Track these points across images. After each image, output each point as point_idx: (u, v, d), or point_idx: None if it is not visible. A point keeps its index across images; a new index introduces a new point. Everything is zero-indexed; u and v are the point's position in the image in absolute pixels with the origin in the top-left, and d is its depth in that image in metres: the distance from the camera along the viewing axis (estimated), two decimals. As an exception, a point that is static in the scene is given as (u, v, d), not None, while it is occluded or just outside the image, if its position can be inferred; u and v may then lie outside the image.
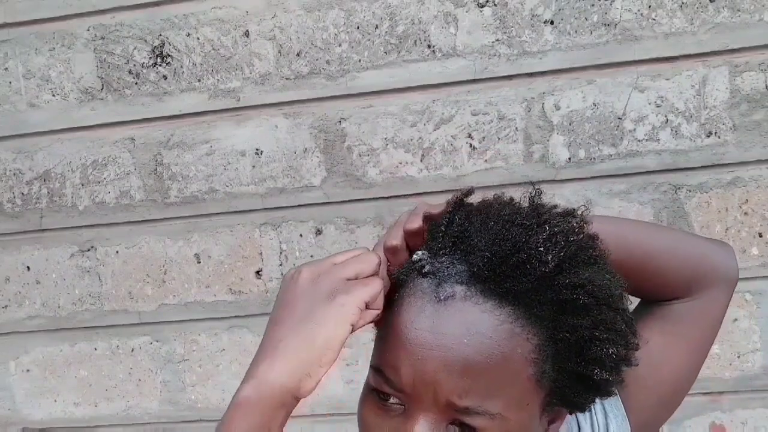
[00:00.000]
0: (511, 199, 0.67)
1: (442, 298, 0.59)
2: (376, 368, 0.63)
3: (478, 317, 0.58)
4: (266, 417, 0.57)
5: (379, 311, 0.61)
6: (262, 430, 0.57)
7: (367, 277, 0.61)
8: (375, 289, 0.60)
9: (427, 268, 0.61)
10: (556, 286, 0.58)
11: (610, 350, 0.60)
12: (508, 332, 0.58)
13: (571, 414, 0.71)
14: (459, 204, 0.65)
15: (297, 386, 0.57)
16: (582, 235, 0.61)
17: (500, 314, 0.58)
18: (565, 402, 0.64)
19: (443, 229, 0.64)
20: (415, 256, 0.63)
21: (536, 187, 0.64)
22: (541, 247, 0.58)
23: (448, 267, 0.61)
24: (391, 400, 0.62)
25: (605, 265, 0.62)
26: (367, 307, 0.60)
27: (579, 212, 0.63)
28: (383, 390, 0.61)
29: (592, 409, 0.76)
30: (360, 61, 1.48)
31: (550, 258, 0.58)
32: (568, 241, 0.60)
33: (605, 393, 0.64)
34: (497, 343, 0.57)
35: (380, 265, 0.63)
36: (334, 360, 0.58)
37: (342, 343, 0.58)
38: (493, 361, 0.57)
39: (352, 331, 0.60)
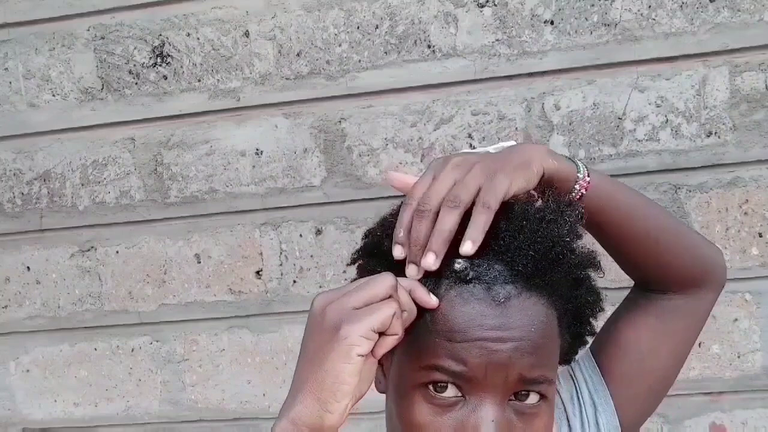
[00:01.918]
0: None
1: (501, 300, 0.63)
2: (432, 367, 0.64)
3: (534, 308, 0.64)
4: None
5: (398, 336, 0.61)
6: None
7: (380, 301, 0.60)
8: (384, 314, 0.59)
9: (471, 275, 0.65)
10: (573, 268, 0.67)
11: (596, 308, 0.72)
12: (551, 315, 0.66)
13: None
14: None
15: (320, 423, 0.59)
16: (584, 221, 0.69)
17: (544, 302, 0.65)
18: (564, 359, 0.73)
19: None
20: (457, 265, 0.65)
21: (546, 181, 0.70)
22: (567, 237, 0.66)
23: (488, 270, 0.64)
24: (445, 393, 0.64)
25: None
26: (384, 333, 0.60)
27: (575, 196, 0.71)
28: (440, 380, 0.64)
29: (582, 403, 0.81)
30: (360, 61, 1.48)
31: (575, 246, 0.66)
32: (579, 229, 0.68)
33: (585, 344, 0.75)
34: (549, 325, 0.66)
35: (395, 287, 0.61)
36: (350, 392, 0.59)
37: (354, 375, 0.58)
38: (548, 339, 0.65)
39: (378, 360, 0.62)
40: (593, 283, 0.71)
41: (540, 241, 0.64)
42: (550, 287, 0.65)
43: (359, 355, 0.58)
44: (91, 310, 1.66)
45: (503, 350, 0.62)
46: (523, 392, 0.64)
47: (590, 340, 0.74)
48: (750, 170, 1.41)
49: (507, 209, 0.66)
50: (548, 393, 0.66)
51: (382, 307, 0.59)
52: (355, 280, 0.65)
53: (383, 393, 0.73)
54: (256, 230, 1.58)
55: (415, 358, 0.65)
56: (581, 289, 0.69)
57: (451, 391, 0.63)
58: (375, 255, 0.70)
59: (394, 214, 0.70)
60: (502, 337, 0.62)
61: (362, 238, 0.75)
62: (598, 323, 0.74)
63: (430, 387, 0.64)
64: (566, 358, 0.74)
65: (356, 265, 0.76)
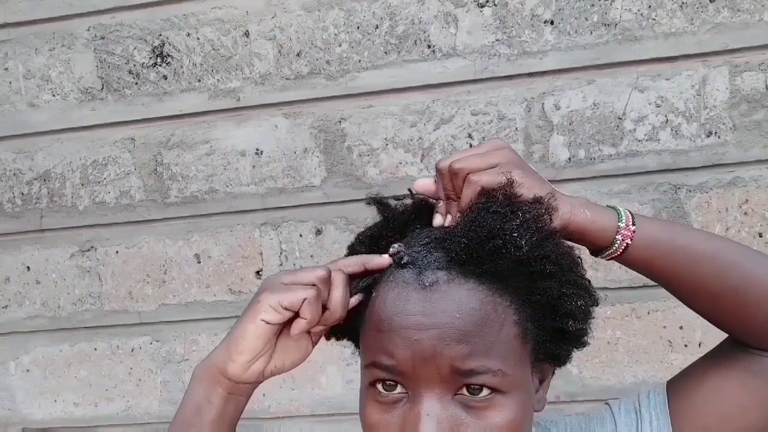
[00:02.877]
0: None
1: (427, 284, 0.63)
2: (371, 364, 0.65)
3: (464, 294, 0.63)
4: (207, 389, 0.72)
5: (307, 320, 0.65)
6: (204, 399, 0.72)
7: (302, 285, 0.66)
8: (295, 295, 0.64)
9: (405, 259, 0.65)
10: (529, 263, 0.64)
11: (579, 303, 0.67)
12: (491, 303, 0.63)
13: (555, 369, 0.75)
14: (420, 202, 0.73)
15: (224, 368, 0.69)
16: (551, 222, 0.65)
17: (482, 290, 0.63)
18: (549, 356, 0.70)
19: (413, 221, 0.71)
20: (392, 249, 0.67)
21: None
22: (515, 233, 0.62)
23: (425, 255, 0.65)
24: (393, 392, 0.64)
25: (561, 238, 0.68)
26: (299, 315, 0.65)
27: (546, 200, 0.66)
28: (382, 378, 0.64)
29: None
30: (360, 61, 1.48)
31: (524, 243, 0.62)
32: (538, 227, 0.64)
33: (581, 343, 0.70)
34: (485, 312, 0.63)
35: (324, 278, 0.66)
36: (248, 349, 0.66)
37: (255, 336, 0.66)
38: (485, 327, 0.62)
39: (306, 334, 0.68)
40: (573, 276, 0.67)
41: (476, 229, 0.63)
42: (492, 276, 0.63)
43: (262, 320, 0.65)
44: (91, 310, 1.66)
45: (426, 338, 0.61)
46: (474, 386, 0.62)
47: (586, 339, 0.70)
48: (750, 170, 1.41)
49: None
50: (501, 386, 0.62)
51: (297, 290, 0.65)
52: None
53: None
54: (256, 230, 1.58)
55: (362, 358, 0.68)
56: (550, 282, 0.64)
57: (398, 389, 0.64)
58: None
59: (381, 220, 0.75)
60: (423, 323, 0.61)
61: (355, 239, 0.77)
62: (590, 320, 0.70)
63: (379, 386, 0.65)
64: (554, 354, 0.70)
65: None
